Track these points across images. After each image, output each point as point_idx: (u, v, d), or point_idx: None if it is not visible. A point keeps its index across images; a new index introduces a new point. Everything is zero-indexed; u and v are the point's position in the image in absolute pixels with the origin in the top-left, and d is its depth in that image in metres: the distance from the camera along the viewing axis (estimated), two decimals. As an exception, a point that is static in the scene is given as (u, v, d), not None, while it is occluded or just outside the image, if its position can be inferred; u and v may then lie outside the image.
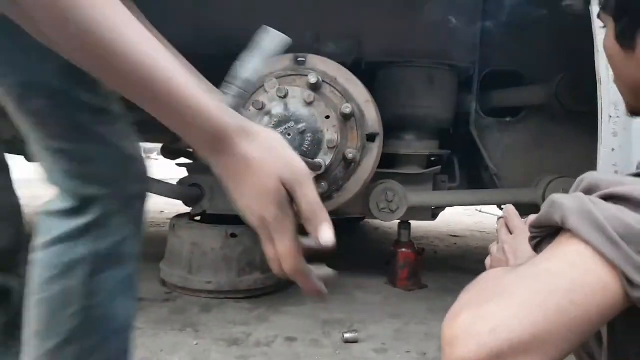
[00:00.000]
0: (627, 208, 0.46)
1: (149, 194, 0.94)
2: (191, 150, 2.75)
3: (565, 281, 0.46)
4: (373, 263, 2.74)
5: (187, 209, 2.44)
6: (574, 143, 2.12)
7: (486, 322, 0.46)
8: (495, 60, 2.25)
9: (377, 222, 4.16)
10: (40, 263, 0.83)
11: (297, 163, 0.57)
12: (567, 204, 0.49)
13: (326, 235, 0.59)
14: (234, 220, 2.25)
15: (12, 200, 0.71)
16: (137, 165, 0.90)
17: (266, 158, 0.55)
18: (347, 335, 1.71)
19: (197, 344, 1.65)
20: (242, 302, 2.09)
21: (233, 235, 2.13)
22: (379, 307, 2.09)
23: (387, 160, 2.19)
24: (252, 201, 0.55)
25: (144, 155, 0.94)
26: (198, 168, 2.36)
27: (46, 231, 0.83)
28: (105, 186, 0.85)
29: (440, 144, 2.33)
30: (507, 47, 2.25)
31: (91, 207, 0.85)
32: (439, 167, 2.29)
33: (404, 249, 2.38)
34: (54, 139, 0.82)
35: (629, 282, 0.44)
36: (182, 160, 2.81)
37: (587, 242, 0.46)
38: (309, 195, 0.57)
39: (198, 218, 2.39)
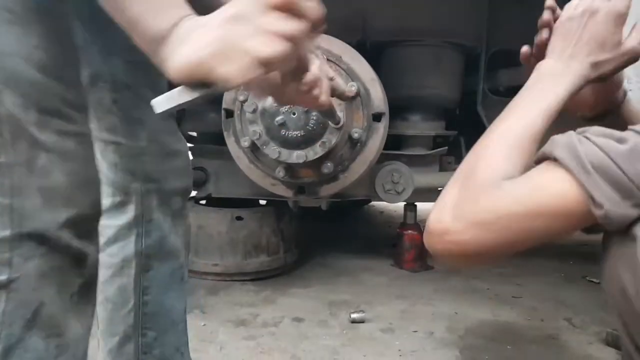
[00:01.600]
0: (612, 140, 0.58)
1: (189, 190, 0.96)
2: (194, 134, 2.73)
3: (543, 196, 0.60)
4: (379, 246, 2.74)
5: (192, 193, 2.43)
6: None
7: (465, 230, 0.62)
8: (502, 38, 2.22)
9: (382, 206, 4.15)
10: (101, 264, 0.85)
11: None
12: (559, 140, 0.62)
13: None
14: (239, 203, 2.25)
15: (90, 169, 0.74)
16: (180, 161, 0.93)
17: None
18: (354, 316, 1.71)
19: (204, 325, 1.65)
20: (249, 284, 2.09)
21: (239, 218, 2.12)
22: (385, 289, 2.09)
23: (393, 142, 2.16)
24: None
25: (187, 151, 0.97)
26: (203, 152, 2.35)
27: (102, 231, 0.86)
28: (149, 181, 0.87)
29: (447, 124, 2.31)
30: (515, 26, 2.22)
31: (135, 201, 0.87)
32: (446, 148, 2.27)
33: (410, 231, 2.37)
34: (110, 132, 0.84)
35: (594, 202, 0.57)
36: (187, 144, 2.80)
37: (566, 169, 0.59)
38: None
39: (203, 202, 2.39)
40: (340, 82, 0.81)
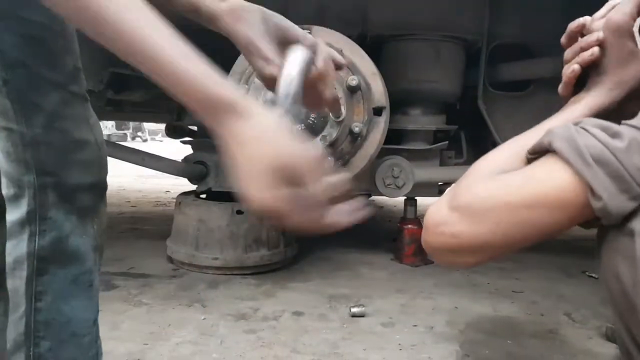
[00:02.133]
0: (609, 134, 0.57)
1: (102, 185, 0.85)
2: (195, 128, 2.73)
3: (540, 186, 0.59)
4: (379, 240, 2.74)
5: (193, 187, 2.44)
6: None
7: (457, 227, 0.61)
8: (503, 33, 2.21)
9: (382, 201, 4.15)
10: None
11: (292, 150, 0.51)
12: (556, 131, 0.61)
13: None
14: (239, 197, 2.25)
15: None
16: (88, 153, 0.81)
17: (253, 144, 0.50)
18: (354, 310, 1.71)
19: (204, 319, 1.66)
20: (249, 278, 2.09)
21: (239, 212, 2.12)
22: (385, 283, 2.09)
23: (394, 136, 2.16)
24: (247, 185, 0.52)
25: (102, 142, 0.85)
26: (203, 145, 2.35)
27: None
28: (44, 174, 0.77)
29: (447, 118, 2.31)
30: (515, 20, 2.21)
31: (28, 195, 0.78)
32: (446, 142, 2.27)
33: (410, 226, 2.37)
34: (1, 116, 0.75)
35: (593, 193, 0.56)
36: (187, 139, 2.79)
37: (565, 160, 0.58)
38: (309, 186, 0.51)
39: (204, 195, 2.39)
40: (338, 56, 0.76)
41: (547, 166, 0.60)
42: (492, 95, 2.25)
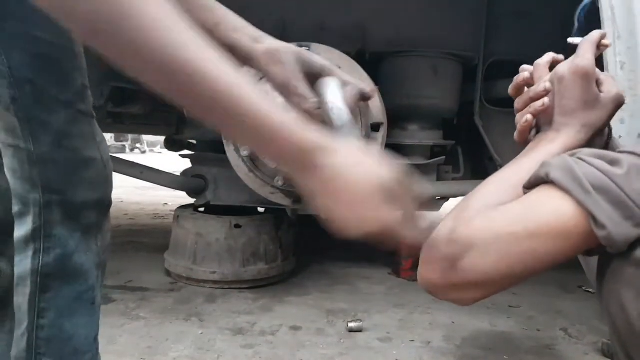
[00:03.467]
0: (606, 161, 0.57)
1: (107, 202, 0.86)
2: (194, 142, 2.75)
3: (540, 215, 0.58)
4: (377, 254, 2.74)
5: (191, 201, 2.44)
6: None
7: (463, 264, 0.59)
8: (499, 49, 2.24)
9: (380, 214, 4.16)
10: None
11: (388, 170, 0.54)
12: (553, 162, 0.61)
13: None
14: (237, 211, 2.26)
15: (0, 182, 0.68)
16: (94, 171, 0.82)
17: (352, 172, 0.52)
18: (351, 325, 1.72)
19: (202, 333, 1.66)
20: (246, 292, 2.09)
21: (237, 226, 2.13)
22: (383, 297, 2.09)
23: (391, 151, 2.18)
24: (352, 218, 0.54)
25: (108, 159, 0.86)
26: (202, 159, 2.36)
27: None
28: (50, 192, 0.78)
29: (445, 134, 2.32)
30: (512, 36, 2.24)
31: (33, 213, 0.78)
32: (443, 157, 2.28)
33: (408, 240, 2.37)
34: (9, 134, 0.76)
35: (596, 223, 0.55)
36: (186, 152, 2.81)
37: (565, 190, 0.57)
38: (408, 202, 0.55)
39: (202, 209, 2.40)
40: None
41: (545, 195, 0.60)
42: (489, 111, 2.27)
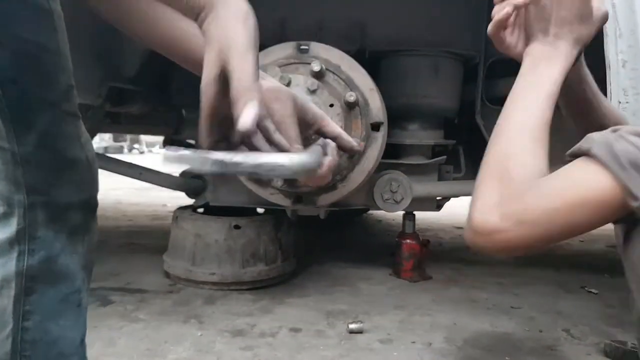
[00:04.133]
0: None
1: (93, 203, 0.84)
2: (193, 141, 2.73)
3: (582, 190, 0.67)
4: (377, 255, 2.73)
5: (190, 202, 2.43)
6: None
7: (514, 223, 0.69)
8: (500, 48, 2.22)
9: (380, 215, 4.14)
10: None
11: (240, 34, 0.59)
12: (595, 137, 0.69)
13: (244, 117, 0.57)
14: (237, 211, 2.24)
15: None
16: (79, 171, 0.81)
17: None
18: (351, 326, 1.70)
19: (201, 335, 1.64)
20: (246, 293, 2.08)
21: (236, 227, 2.12)
22: (383, 298, 2.08)
23: (392, 151, 2.17)
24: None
25: (93, 159, 0.84)
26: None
27: None
28: (34, 193, 0.76)
29: (446, 133, 2.31)
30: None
31: (17, 214, 0.77)
32: (444, 157, 2.27)
33: (408, 240, 2.36)
34: None
35: (631, 194, 0.64)
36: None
37: (602, 164, 0.66)
38: (240, 69, 0.57)
39: (201, 210, 2.38)
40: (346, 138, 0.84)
41: (587, 170, 0.68)
42: (490, 110, 2.26)
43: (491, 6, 2.36)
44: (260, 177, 0.60)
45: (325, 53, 1.79)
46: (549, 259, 2.85)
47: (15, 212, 0.76)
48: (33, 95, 0.73)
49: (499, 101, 2.32)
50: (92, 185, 0.83)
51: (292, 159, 0.60)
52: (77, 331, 0.84)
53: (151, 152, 19.20)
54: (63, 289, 0.80)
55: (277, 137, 0.68)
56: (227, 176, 0.58)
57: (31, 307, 0.78)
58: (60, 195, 0.78)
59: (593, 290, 2.22)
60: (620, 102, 1.28)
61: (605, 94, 1.30)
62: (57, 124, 0.76)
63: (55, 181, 0.78)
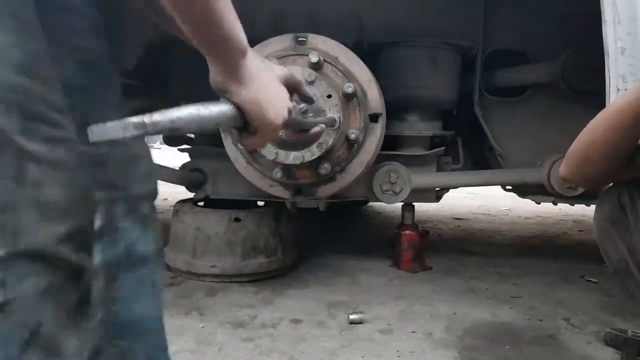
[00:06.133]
0: None
1: (156, 193, 0.92)
2: (192, 136, 2.73)
3: (607, 109, 0.96)
4: (376, 246, 2.74)
5: (190, 195, 2.43)
6: (580, 122, 2.07)
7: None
8: (499, 38, 2.22)
9: (379, 207, 4.15)
10: None
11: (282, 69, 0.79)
12: None
13: None
14: (237, 204, 2.25)
15: (83, 178, 0.71)
16: (144, 164, 0.89)
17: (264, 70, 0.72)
18: (352, 317, 1.71)
19: (202, 327, 1.65)
20: (247, 285, 2.08)
21: (237, 220, 2.12)
22: (383, 289, 2.08)
23: (390, 142, 2.17)
24: (274, 106, 0.72)
25: (150, 153, 0.92)
26: (201, 153, 2.35)
27: None
28: (114, 189, 0.84)
29: (444, 124, 2.31)
30: (511, 25, 2.22)
31: (100, 211, 0.82)
32: (443, 148, 2.27)
33: (408, 231, 2.37)
34: None
35: None
36: (185, 146, 2.79)
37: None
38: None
39: (201, 203, 2.39)
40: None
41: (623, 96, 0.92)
42: (488, 101, 2.26)
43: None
44: (181, 131, 0.60)
45: (323, 45, 1.79)
46: (549, 249, 2.86)
47: (98, 208, 0.81)
48: (101, 99, 0.79)
49: (497, 92, 2.34)
50: (154, 176, 0.93)
51: (209, 108, 0.62)
52: (155, 309, 0.93)
53: (152, 146, 19.16)
54: (140, 273, 0.89)
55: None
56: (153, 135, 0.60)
57: (117, 293, 0.86)
58: (133, 188, 0.86)
59: (593, 279, 2.23)
60: (619, 89, 1.27)
61: (602, 86, 1.30)
62: None
63: (128, 176, 0.86)
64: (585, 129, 0.95)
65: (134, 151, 0.87)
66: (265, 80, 0.68)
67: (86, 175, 0.71)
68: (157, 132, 0.57)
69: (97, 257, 0.82)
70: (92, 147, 0.75)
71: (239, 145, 0.66)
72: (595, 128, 0.93)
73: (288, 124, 0.84)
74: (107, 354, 0.86)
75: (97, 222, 0.81)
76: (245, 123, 0.68)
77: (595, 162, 0.94)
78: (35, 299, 0.62)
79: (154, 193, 0.91)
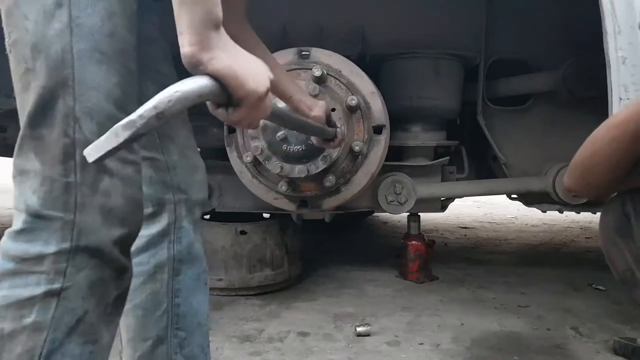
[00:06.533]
0: None
1: (207, 201, 1.05)
2: (199, 149, 2.74)
3: (606, 122, 0.95)
4: (383, 257, 2.74)
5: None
6: (583, 129, 2.06)
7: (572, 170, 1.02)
8: (501, 48, 2.23)
9: (385, 216, 4.15)
10: None
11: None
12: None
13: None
14: (243, 217, 2.26)
15: (140, 194, 0.80)
16: (201, 174, 1.02)
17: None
18: (359, 329, 1.71)
19: (210, 342, 1.65)
20: (253, 298, 2.09)
21: (243, 233, 2.13)
22: (390, 300, 2.08)
23: (395, 153, 2.17)
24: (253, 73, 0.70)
25: (204, 164, 1.04)
26: (206, 166, 2.36)
27: None
28: (180, 192, 0.97)
29: (448, 134, 2.31)
30: (513, 35, 2.23)
31: (166, 211, 0.96)
32: (447, 158, 2.27)
33: (414, 242, 2.36)
34: (146, 149, 0.94)
35: None
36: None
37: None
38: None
39: (207, 216, 2.40)
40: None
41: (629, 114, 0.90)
42: (492, 110, 2.26)
43: (490, 7, 2.37)
44: (168, 116, 0.59)
45: (326, 58, 1.80)
46: (556, 257, 2.84)
47: (166, 208, 0.96)
48: (172, 120, 0.88)
49: (501, 101, 2.34)
50: (206, 186, 1.05)
51: (186, 83, 0.61)
52: (206, 304, 1.03)
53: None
54: (197, 270, 1.00)
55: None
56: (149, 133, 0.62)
57: (179, 286, 0.97)
58: (194, 194, 0.99)
59: (600, 287, 2.22)
60: (621, 99, 1.28)
61: (605, 93, 1.31)
62: (188, 137, 1.01)
63: (190, 182, 0.99)
64: (587, 140, 0.96)
65: (194, 161, 1.00)
66: (240, 50, 0.68)
67: (141, 192, 0.80)
68: (148, 127, 0.57)
69: (163, 253, 0.95)
70: (166, 156, 0.95)
71: (228, 123, 0.66)
72: (597, 140, 0.93)
73: (275, 114, 0.83)
74: (169, 343, 0.97)
75: (164, 221, 0.96)
76: (228, 97, 0.66)
77: (598, 174, 0.95)
78: (86, 290, 0.71)
79: (207, 201, 1.05)
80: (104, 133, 0.60)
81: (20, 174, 0.71)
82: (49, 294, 0.68)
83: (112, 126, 0.59)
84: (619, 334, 1.68)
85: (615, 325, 1.79)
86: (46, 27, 0.68)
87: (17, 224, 0.70)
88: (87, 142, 0.66)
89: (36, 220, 0.69)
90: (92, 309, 0.72)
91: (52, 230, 0.69)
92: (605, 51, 1.28)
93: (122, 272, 0.76)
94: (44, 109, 0.69)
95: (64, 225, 0.69)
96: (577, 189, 1.03)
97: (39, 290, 0.68)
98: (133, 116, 0.57)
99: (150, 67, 0.92)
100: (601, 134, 0.93)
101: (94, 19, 0.70)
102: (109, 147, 0.56)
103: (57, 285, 0.68)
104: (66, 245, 0.69)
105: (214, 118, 0.71)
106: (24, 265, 0.69)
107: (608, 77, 1.28)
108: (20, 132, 0.71)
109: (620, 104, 1.26)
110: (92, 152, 0.56)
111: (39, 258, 0.68)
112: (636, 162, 0.94)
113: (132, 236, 0.77)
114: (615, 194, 1.05)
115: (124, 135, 0.56)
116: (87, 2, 0.70)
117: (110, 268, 0.74)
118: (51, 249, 0.68)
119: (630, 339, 1.55)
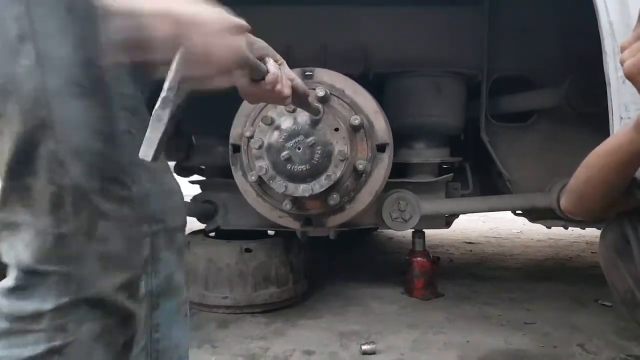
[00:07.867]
0: None
1: (186, 225, 0.96)
2: (204, 167, 2.77)
3: (601, 146, 0.96)
4: (388, 273, 2.73)
5: (202, 226, 2.46)
6: (586, 145, 2.07)
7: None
8: (503, 65, 2.25)
9: (390, 232, 4.14)
10: None
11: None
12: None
13: None
14: (248, 235, 2.27)
15: (139, 230, 0.76)
16: (177, 198, 0.94)
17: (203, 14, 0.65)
18: (364, 347, 1.71)
19: (214, 361, 1.66)
20: (259, 316, 2.09)
21: (248, 250, 2.14)
22: (396, 318, 2.08)
23: (399, 170, 2.19)
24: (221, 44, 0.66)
25: (180, 187, 0.97)
26: (211, 185, 2.38)
27: None
28: (155, 222, 0.87)
29: (452, 151, 2.33)
30: (515, 52, 2.25)
31: (145, 243, 0.86)
32: (451, 174, 2.28)
33: (419, 258, 2.36)
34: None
35: None
36: (195, 177, 2.83)
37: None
38: None
39: (212, 234, 2.41)
40: (301, 83, 1.04)
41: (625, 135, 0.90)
42: (495, 127, 2.28)
43: (492, 25, 2.40)
44: (188, 83, 0.60)
45: (329, 78, 1.82)
46: (562, 272, 2.83)
47: (143, 241, 0.86)
48: (140, 140, 0.85)
49: (503, 117, 2.35)
50: (184, 209, 0.97)
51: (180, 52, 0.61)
52: (187, 337, 0.97)
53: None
54: (176, 301, 0.93)
55: None
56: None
57: (158, 320, 0.90)
58: (171, 221, 0.90)
59: (607, 303, 2.21)
60: (622, 118, 1.29)
61: (607, 109, 1.32)
62: (159, 160, 0.88)
63: (166, 209, 0.89)
64: (580, 166, 0.99)
65: (169, 186, 0.92)
66: None
67: (140, 228, 0.75)
68: (178, 97, 0.58)
69: (141, 287, 0.86)
70: (136, 185, 0.83)
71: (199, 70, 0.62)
72: (590, 167, 0.95)
73: (243, 61, 0.74)
74: None
75: (144, 253, 0.86)
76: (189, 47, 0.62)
77: (593, 198, 0.97)
78: (89, 343, 0.67)
79: (185, 225, 0.96)
80: (93, 172, 0.61)
81: (6, 227, 0.66)
82: (50, 352, 0.64)
83: (102, 163, 0.60)
84: (625, 351, 1.68)
85: (621, 342, 1.78)
86: (13, 65, 0.62)
87: (9, 280, 0.66)
88: (77, 187, 0.63)
89: (30, 277, 0.65)
90: (99, 359, 0.68)
91: (48, 286, 0.65)
92: (605, 71, 1.30)
93: (128, 318, 0.73)
94: (25, 157, 0.64)
95: (60, 279, 0.65)
96: (574, 213, 1.05)
97: (39, 349, 0.64)
98: (162, 94, 0.57)
99: (116, 91, 0.85)
100: (592, 162, 0.95)
101: (64, 49, 0.64)
102: (159, 135, 0.56)
103: (57, 342, 0.65)
104: (64, 300, 0.65)
105: (220, 137, 0.71)
106: (20, 324, 0.64)
107: (609, 97, 1.30)
108: (2, 184, 0.65)
109: (621, 122, 1.27)
110: (146, 151, 0.56)
111: (36, 316, 0.64)
112: (630, 184, 0.95)
113: (137, 277, 0.73)
114: (614, 215, 1.06)
115: (165, 116, 0.57)
116: (54, 30, 0.63)
117: (114, 316, 0.70)
118: (48, 305, 0.64)
119: (637, 356, 1.55)
